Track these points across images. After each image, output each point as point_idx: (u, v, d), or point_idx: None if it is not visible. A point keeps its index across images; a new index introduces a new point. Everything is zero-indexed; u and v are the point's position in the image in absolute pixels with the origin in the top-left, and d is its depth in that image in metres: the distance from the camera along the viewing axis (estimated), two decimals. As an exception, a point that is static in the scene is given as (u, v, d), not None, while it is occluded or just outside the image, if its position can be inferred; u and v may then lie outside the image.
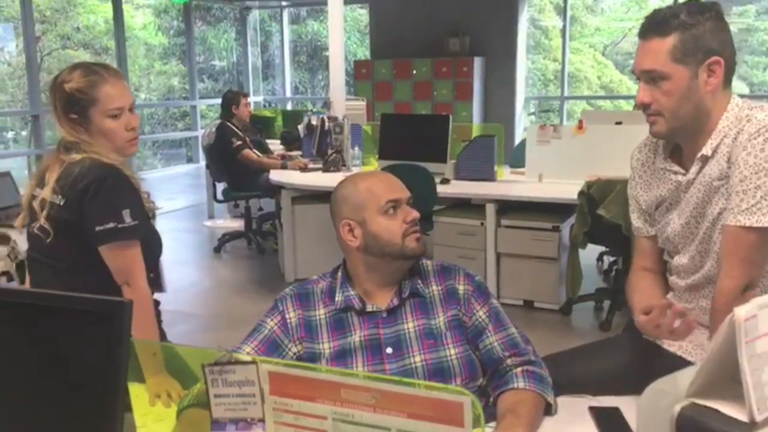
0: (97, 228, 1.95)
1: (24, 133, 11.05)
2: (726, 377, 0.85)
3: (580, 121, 4.68)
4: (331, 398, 0.93)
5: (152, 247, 2.17)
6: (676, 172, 1.73)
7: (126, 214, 1.97)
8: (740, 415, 0.83)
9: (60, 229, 2.00)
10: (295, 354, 1.65)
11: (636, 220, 1.89)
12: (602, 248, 5.12)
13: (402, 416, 0.89)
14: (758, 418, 0.82)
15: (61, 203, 1.98)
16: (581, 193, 4.00)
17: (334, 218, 1.75)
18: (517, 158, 5.48)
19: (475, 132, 6.23)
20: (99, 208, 1.96)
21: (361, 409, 0.91)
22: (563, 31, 10.16)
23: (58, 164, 2.01)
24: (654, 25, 1.63)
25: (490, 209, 4.48)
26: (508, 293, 4.56)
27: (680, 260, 1.75)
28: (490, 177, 4.83)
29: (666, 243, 1.80)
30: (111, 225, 1.95)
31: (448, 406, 0.86)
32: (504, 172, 5.08)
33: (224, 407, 1.01)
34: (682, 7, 1.62)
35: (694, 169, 1.68)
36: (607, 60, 13.13)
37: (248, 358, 0.99)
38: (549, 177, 4.71)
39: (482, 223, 4.52)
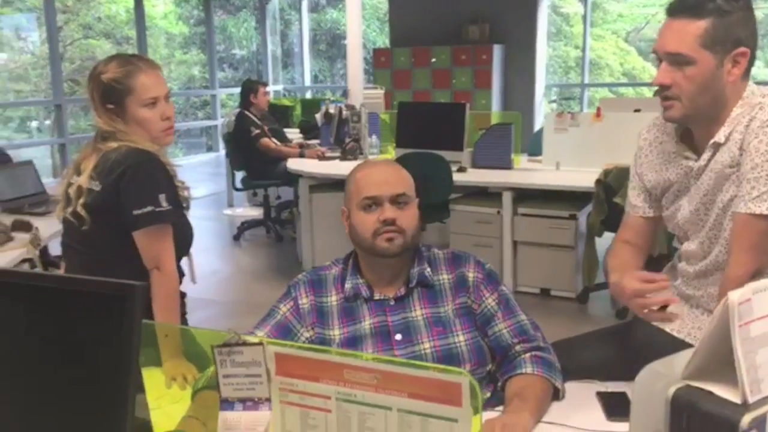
0: (135, 212, 1.98)
1: (47, 122, 11.19)
2: (721, 360, 0.86)
3: (598, 109, 4.65)
4: (334, 378, 0.96)
5: (184, 236, 2.20)
6: (687, 158, 1.72)
7: (162, 199, 2.00)
8: (733, 397, 0.85)
9: (96, 216, 2.03)
10: (307, 339, 1.68)
11: (635, 198, 1.86)
12: (619, 236, 5.10)
13: (403, 396, 0.92)
14: (751, 399, 0.83)
15: (98, 189, 2.02)
16: (598, 182, 3.99)
17: None
18: (535, 146, 5.46)
19: (494, 120, 6.21)
20: (137, 192, 1.99)
21: (363, 389, 0.94)
22: (584, 17, 10.07)
23: (96, 153, 2.05)
24: (688, 5, 1.57)
25: (507, 197, 4.48)
26: (525, 281, 4.57)
27: (689, 246, 1.75)
28: (507, 165, 4.83)
29: (676, 229, 1.80)
30: (149, 209, 1.98)
31: (447, 387, 0.88)
32: (521, 160, 5.06)
33: (232, 387, 1.04)
34: None
35: (705, 155, 1.67)
36: (629, 46, 12.99)
37: (255, 340, 1.02)
38: (566, 165, 4.70)
39: (499, 212, 4.53)
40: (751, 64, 1.60)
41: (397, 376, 0.92)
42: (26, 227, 3.15)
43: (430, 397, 0.90)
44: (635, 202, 1.87)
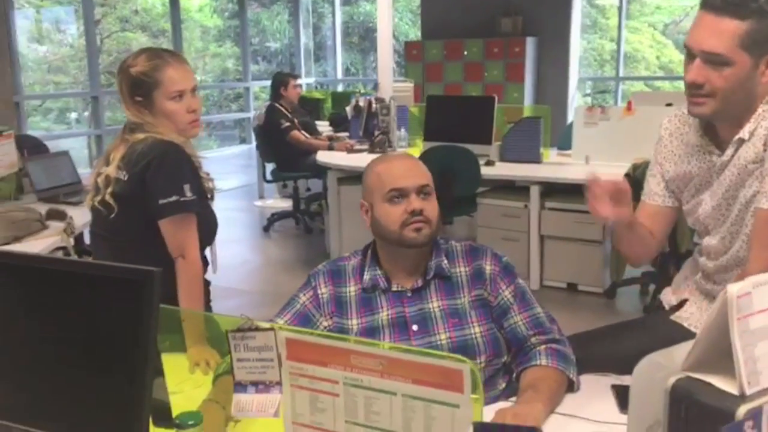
0: (161, 201, 2.03)
1: (86, 113, 11.41)
2: (720, 352, 0.87)
3: (629, 103, 4.61)
4: (342, 364, 0.99)
5: (209, 226, 2.25)
6: (711, 152, 1.71)
7: (187, 189, 2.05)
8: (731, 389, 0.86)
9: (123, 204, 2.09)
10: (325, 328, 1.72)
11: (656, 185, 1.84)
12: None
13: (407, 382, 0.94)
14: (748, 391, 0.84)
15: (125, 178, 2.08)
16: (626, 176, 3.96)
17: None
18: (566, 140, 5.42)
19: (526, 113, 6.18)
20: (162, 181, 2.04)
21: (369, 375, 0.97)
22: (619, 9, 9.93)
23: (124, 144, 2.11)
24: (729, 3, 1.51)
25: (534, 191, 4.47)
26: (552, 276, 4.55)
27: (710, 241, 1.74)
28: (535, 159, 4.81)
29: (696, 224, 1.79)
30: (174, 198, 2.03)
31: (449, 373, 0.91)
32: (550, 154, 5.04)
33: (245, 370, 1.08)
34: None
35: (729, 151, 1.66)
36: (666, 39, 12.76)
37: (267, 325, 1.05)
38: (596, 159, 4.66)
39: (526, 206, 4.52)
40: None
41: (402, 363, 0.94)
42: (61, 216, 3.24)
43: (432, 383, 0.92)
44: (656, 189, 1.85)
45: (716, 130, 1.71)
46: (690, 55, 1.58)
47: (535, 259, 4.54)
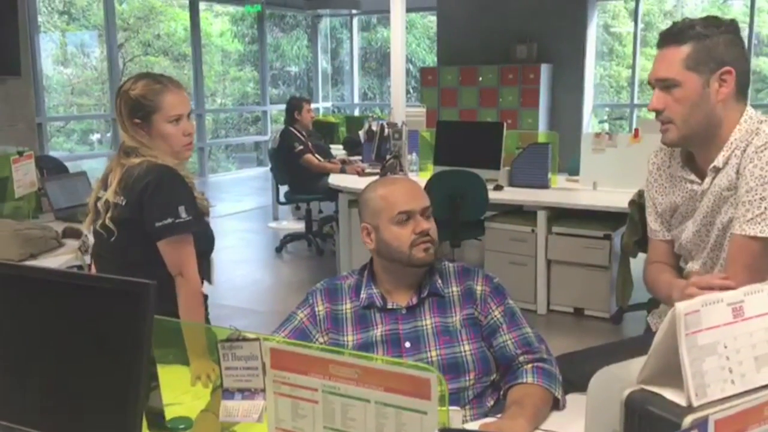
0: (157, 224, 2.13)
1: (108, 135, 11.64)
2: (672, 366, 0.93)
3: (636, 130, 4.66)
4: (321, 372, 1.05)
5: (204, 242, 2.34)
6: (692, 181, 1.78)
7: (182, 210, 2.14)
8: (681, 400, 0.91)
9: (122, 228, 2.18)
10: (321, 344, 1.78)
11: (653, 222, 1.94)
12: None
13: (380, 389, 1.01)
14: (696, 403, 0.89)
15: (123, 203, 2.17)
16: (632, 202, 3.99)
17: (360, 219, 1.88)
18: (576, 166, 5.48)
19: (540, 139, 6.24)
20: (158, 205, 2.14)
21: (346, 383, 1.03)
22: (635, 36, 10.01)
23: (120, 168, 2.20)
24: (671, 35, 1.70)
25: (542, 216, 4.52)
26: (558, 300, 4.58)
27: (693, 266, 1.80)
28: (543, 184, 4.86)
29: (681, 249, 1.85)
30: (169, 221, 2.12)
31: (418, 382, 0.97)
32: (559, 179, 5.09)
33: (233, 378, 1.14)
34: (698, 20, 1.68)
35: (708, 179, 1.73)
36: (682, 67, 12.77)
37: (253, 336, 1.12)
38: (604, 185, 4.71)
39: (533, 230, 4.56)
40: (742, 84, 1.66)
41: (375, 372, 1.01)
42: (76, 234, 3.33)
43: (402, 391, 0.98)
44: (653, 226, 1.95)
45: (695, 160, 1.78)
46: (653, 89, 1.74)
47: (542, 283, 4.57)
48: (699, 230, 1.75)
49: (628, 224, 4.10)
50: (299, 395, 1.08)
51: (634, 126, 10.00)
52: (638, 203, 4.05)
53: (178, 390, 1.76)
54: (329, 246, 6.40)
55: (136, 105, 2.20)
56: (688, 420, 0.87)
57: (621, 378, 0.97)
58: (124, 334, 1.12)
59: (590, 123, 9.86)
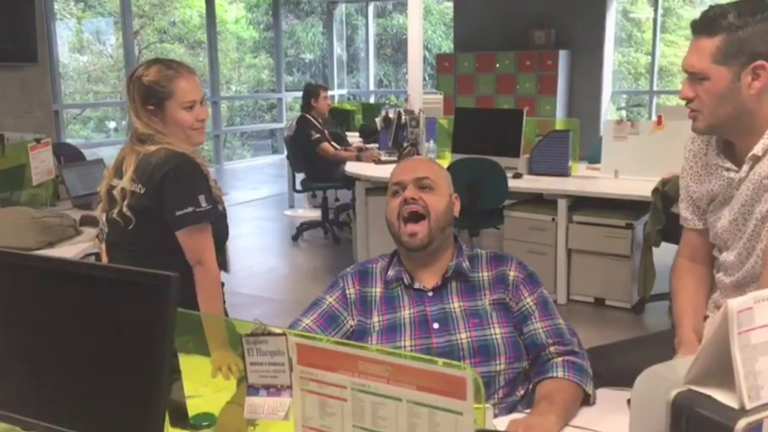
0: (177, 213, 2.10)
1: (123, 122, 11.65)
2: (722, 366, 0.88)
3: (659, 117, 4.58)
4: (350, 369, 1.01)
5: (221, 232, 2.32)
6: (728, 169, 1.72)
7: (202, 199, 2.12)
8: (732, 402, 0.86)
9: (140, 216, 2.16)
10: (351, 327, 1.75)
11: (684, 211, 1.89)
12: (677, 247, 4.99)
13: (412, 388, 0.96)
14: (748, 405, 0.84)
15: (141, 191, 2.14)
16: (655, 191, 3.93)
17: None
18: (596, 154, 5.40)
19: (559, 126, 6.16)
20: (178, 194, 2.11)
21: (376, 381, 0.99)
22: (654, 22, 9.86)
23: (134, 155, 2.17)
24: (702, 24, 1.63)
25: (562, 205, 4.45)
26: (579, 290, 4.52)
27: (728, 257, 1.75)
28: (564, 172, 4.79)
29: (716, 238, 1.80)
30: (190, 209, 2.10)
31: (452, 381, 0.93)
32: (579, 167, 5.01)
33: (258, 374, 1.11)
34: (732, 7, 1.60)
35: (745, 167, 1.68)
36: (702, 53, 12.58)
37: (279, 330, 1.08)
38: (625, 173, 4.63)
39: (553, 219, 4.50)
40: None
41: (407, 369, 0.96)
42: (94, 222, 3.31)
43: (436, 390, 0.94)
44: (685, 214, 1.90)
45: (733, 147, 1.72)
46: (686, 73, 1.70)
47: (562, 272, 4.51)
48: (736, 219, 1.70)
49: (651, 213, 4.04)
50: (327, 392, 1.04)
51: (653, 113, 9.89)
52: (662, 192, 3.99)
53: (199, 382, 1.73)
54: (346, 234, 6.36)
55: (149, 91, 2.18)
56: (741, 424, 0.83)
57: (667, 378, 0.92)
58: (146, 328, 1.09)
59: (608, 110, 9.74)
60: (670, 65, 12.21)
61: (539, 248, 4.56)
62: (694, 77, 1.64)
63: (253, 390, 1.11)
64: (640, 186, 4.20)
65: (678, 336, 1.78)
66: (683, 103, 1.72)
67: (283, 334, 1.07)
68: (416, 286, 1.76)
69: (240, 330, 1.14)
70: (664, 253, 4.95)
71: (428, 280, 1.76)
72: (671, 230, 3.97)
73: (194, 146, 2.26)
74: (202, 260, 2.14)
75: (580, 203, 4.51)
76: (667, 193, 3.90)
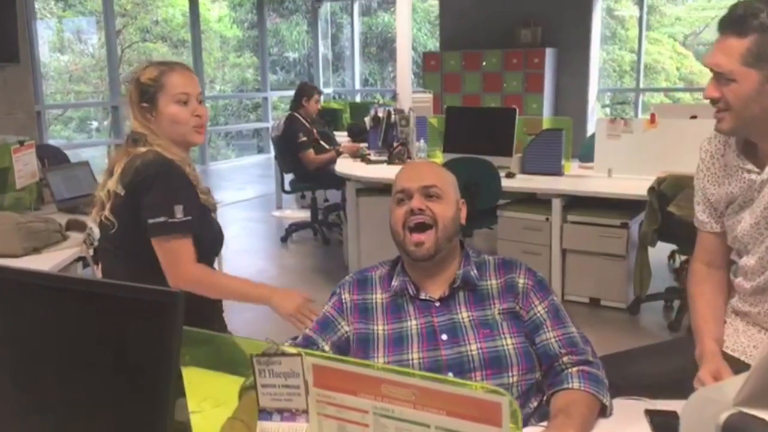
0: (150, 221, 2.02)
1: (105, 123, 11.50)
2: (776, 388, 0.82)
3: (652, 115, 4.54)
4: (372, 393, 0.94)
5: (213, 241, 2.24)
6: (750, 171, 1.66)
7: (178, 210, 2.03)
8: (790, 428, 0.80)
9: (122, 220, 2.08)
10: (345, 333, 1.69)
11: (701, 213, 1.84)
12: (672, 246, 4.96)
13: (441, 414, 0.90)
14: (809, 431, 0.79)
15: (122, 193, 2.06)
16: (651, 190, 3.89)
17: None
18: (587, 152, 5.36)
19: (545, 125, 6.12)
20: (153, 201, 2.03)
21: (401, 405, 0.92)
22: (640, 20, 9.86)
23: (125, 156, 2.10)
24: (732, 22, 1.56)
25: (556, 204, 4.41)
26: (574, 290, 4.48)
27: (748, 261, 1.69)
28: (557, 171, 4.75)
29: (735, 242, 1.74)
30: (162, 219, 2.02)
31: (487, 406, 0.86)
32: (572, 166, 4.97)
33: (270, 397, 1.03)
34: (764, 5, 1.53)
35: None
36: (687, 50, 12.67)
37: (294, 351, 1.01)
38: (619, 172, 4.60)
39: (548, 219, 4.45)
40: None
41: (436, 393, 0.90)
42: (81, 227, 3.22)
43: (469, 416, 0.87)
44: (701, 217, 1.85)
45: (755, 148, 1.66)
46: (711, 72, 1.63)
47: (557, 273, 4.47)
48: (758, 222, 1.64)
49: (647, 212, 4.01)
50: (347, 417, 0.97)
51: (640, 111, 9.89)
52: (657, 191, 3.95)
53: (198, 396, 1.65)
54: (336, 235, 6.29)
55: (143, 89, 2.13)
56: (803, 451, 0.77)
57: (715, 400, 0.86)
58: (149, 348, 1.01)
59: (595, 108, 9.73)
60: (655, 63, 12.25)
61: (533, 248, 4.51)
62: (721, 77, 1.58)
63: (265, 414, 1.04)
64: (635, 185, 4.17)
65: (699, 347, 1.72)
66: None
67: (299, 354, 1.00)
68: (422, 296, 1.69)
69: (250, 350, 1.06)
70: (660, 252, 4.94)
71: (435, 289, 1.70)
72: (668, 230, 3.95)
73: (190, 147, 2.18)
74: (176, 269, 2.06)
75: (575, 202, 4.47)
76: (663, 192, 3.86)
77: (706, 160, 1.79)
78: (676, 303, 4.33)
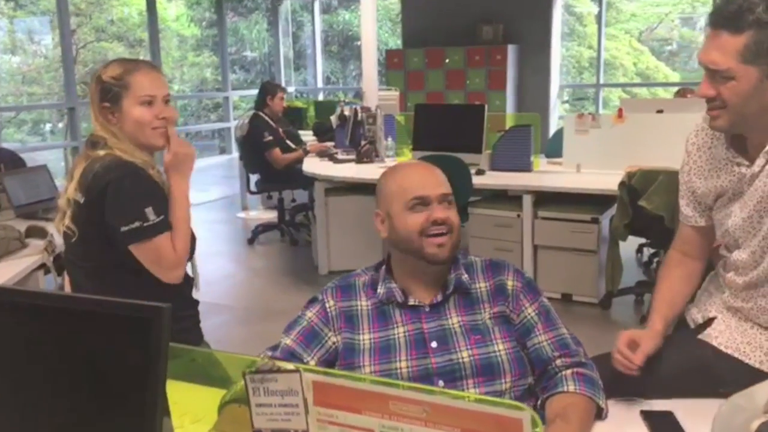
0: (123, 229, 1.92)
1: (60, 125, 11.21)
2: (810, 394, 0.78)
3: (620, 110, 4.56)
4: (379, 410, 0.88)
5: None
6: (740, 164, 1.64)
7: (149, 212, 1.93)
8: (826, 436, 0.76)
9: (83, 229, 1.98)
10: (334, 345, 1.62)
11: (685, 207, 1.81)
12: (641, 239, 5.00)
13: (456, 431, 0.84)
14: None
15: (82, 201, 1.95)
16: (622, 184, 3.90)
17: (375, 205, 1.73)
18: (553, 148, 5.37)
19: (510, 122, 6.12)
20: (122, 208, 1.93)
21: (411, 423, 0.86)
22: (599, 17, 9.95)
23: (84, 161, 1.98)
24: (726, 17, 1.50)
25: (527, 200, 4.40)
26: (546, 286, 4.45)
27: (740, 255, 1.66)
28: (526, 167, 4.74)
29: (725, 236, 1.71)
30: (136, 224, 1.92)
31: (506, 422, 0.80)
32: (540, 162, 4.98)
33: (266, 417, 0.96)
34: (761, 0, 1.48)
35: (760, 162, 1.59)
36: (643, 46, 12.86)
37: (291, 367, 0.94)
38: (587, 167, 4.61)
39: (519, 215, 4.44)
40: None
41: (449, 410, 0.84)
42: (41, 233, 3.09)
43: (486, 433, 0.82)
44: (686, 211, 1.81)
45: (744, 141, 1.63)
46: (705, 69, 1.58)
47: (529, 269, 4.45)
48: (750, 216, 1.61)
49: (618, 207, 4.01)
50: (351, 437, 0.91)
51: (600, 106, 9.99)
52: (628, 185, 3.96)
53: (176, 412, 1.57)
54: (303, 236, 6.19)
55: (105, 88, 1.99)
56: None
57: (745, 408, 0.82)
58: (135, 366, 0.93)
59: (556, 104, 9.79)
60: (613, 58, 12.40)
61: (505, 245, 4.49)
62: (716, 75, 1.53)
63: (261, 436, 0.97)
64: (604, 180, 4.18)
65: (648, 324, 1.74)
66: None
67: (297, 370, 0.93)
68: (411, 302, 1.63)
69: (242, 367, 0.99)
70: (630, 246, 4.97)
71: (424, 295, 1.64)
72: (639, 224, 3.96)
73: (152, 150, 2.06)
74: (162, 265, 1.97)
75: (545, 199, 4.46)
76: (633, 186, 3.87)
77: (693, 152, 1.75)
78: (647, 297, 4.35)
